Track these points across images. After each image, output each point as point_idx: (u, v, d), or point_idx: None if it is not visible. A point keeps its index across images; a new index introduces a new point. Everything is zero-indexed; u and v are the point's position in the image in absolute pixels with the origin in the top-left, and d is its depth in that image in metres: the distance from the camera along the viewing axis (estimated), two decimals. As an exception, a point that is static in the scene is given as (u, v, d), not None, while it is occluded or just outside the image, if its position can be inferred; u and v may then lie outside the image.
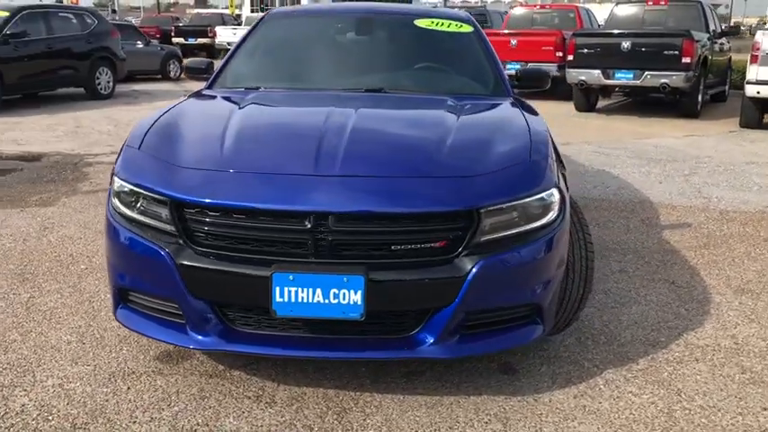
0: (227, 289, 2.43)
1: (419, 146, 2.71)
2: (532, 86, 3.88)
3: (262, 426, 2.44)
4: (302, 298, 2.34)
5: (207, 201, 2.41)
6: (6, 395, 2.60)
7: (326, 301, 2.34)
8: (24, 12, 11.79)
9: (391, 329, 2.49)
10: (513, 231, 2.49)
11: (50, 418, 2.46)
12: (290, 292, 2.34)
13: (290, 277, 2.33)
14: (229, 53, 4.03)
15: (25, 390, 2.64)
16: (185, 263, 2.43)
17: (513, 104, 3.48)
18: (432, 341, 2.45)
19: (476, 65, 3.94)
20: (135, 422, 2.44)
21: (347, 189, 2.40)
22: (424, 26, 4.02)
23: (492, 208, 2.44)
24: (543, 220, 2.56)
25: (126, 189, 2.61)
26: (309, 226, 2.34)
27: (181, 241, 2.46)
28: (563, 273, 2.73)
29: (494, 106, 3.42)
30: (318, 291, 2.33)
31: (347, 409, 2.54)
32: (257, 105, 3.32)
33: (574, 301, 2.90)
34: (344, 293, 2.33)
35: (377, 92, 3.56)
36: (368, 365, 2.79)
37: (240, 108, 3.14)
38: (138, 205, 2.56)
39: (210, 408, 2.54)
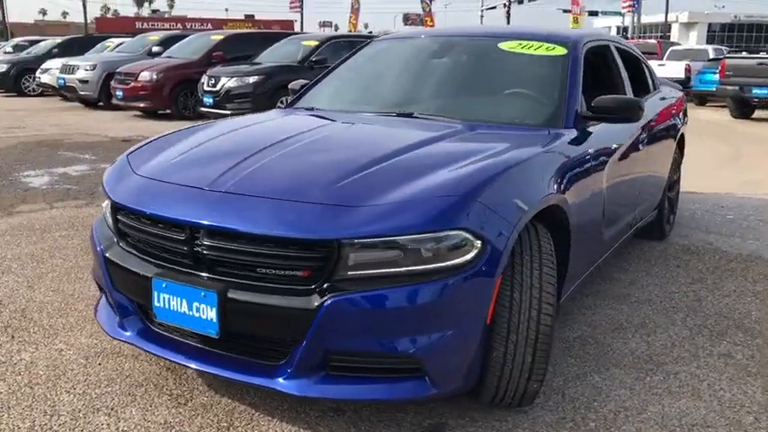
0: (130, 286, 2.60)
1: (338, 170, 2.55)
2: (615, 119, 3.30)
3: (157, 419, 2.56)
4: (173, 306, 2.41)
5: (119, 202, 2.64)
6: None
7: (191, 313, 2.37)
8: (331, 41, 13.34)
9: (263, 354, 2.40)
10: (393, 270, 2.22)
11: None
12: (164, 298, 2.43)
13: (164, 284, 2.42)
14: (322, 74, 4.20)
15: None
16: (108, 256, 2.67)
17: (554, 137, 3.05)
18: (288, 374, 2.31)
19: (541, 92, 3.50)
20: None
21: (223, 205, 2.40)
22: (507, 49, 3.70)
23: (358, 241, 2.21)
24: (439, 264, 2.24)
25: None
26: (184, 237, 2.39)
27: (115, 238, 2.71)
28: (481, 331, 2.34)
29: (512, 139, 3.03)
30: (184, 302, 2.38)
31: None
32: (252, 124, 3.44)
33: (519, 370, 2.45)
34: (203, 308, 2.34)
35: (406, 116, 3.41)
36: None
37: (242, 126, 3.31)
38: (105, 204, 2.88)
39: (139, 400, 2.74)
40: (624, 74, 4.22)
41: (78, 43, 20.36)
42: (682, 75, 18.82)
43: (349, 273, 2.23)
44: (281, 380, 2.32)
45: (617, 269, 4.46)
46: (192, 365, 2.47)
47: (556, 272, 2.57)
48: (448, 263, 2.25)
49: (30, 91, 19.38)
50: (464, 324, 2.30)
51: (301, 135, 3.02)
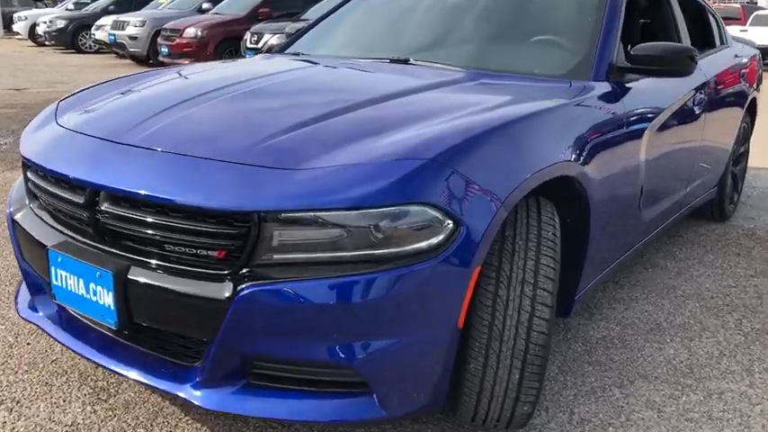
0: (34, 257, 2.14)
1: (279, 122, 2.00)
2: (659, 71, 2.64)
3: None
4: (71, 286, 1.94)
5: (25, 156, 2.17)
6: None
7: (88, 296, 1.90)
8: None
9: (176, 352, 1.91)
10: (331, 255, 1.69)
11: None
12: (61, 275, 1.96)
13: (59, 258, 1.94)
14: (317, 18, 3.63)
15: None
16: (16, 219, 2.22)
17: (577, 91, 2.43)
18: (197, 381, 1.81)
19: (566, 35, 2.85)
20: (-30, 379, 2.34)
21: (125, 162, 1.89)
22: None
23: (286, 215, 1.68)
24: (394, 249, 1.69)
25: None
26: (83, 201, 1.90)
27: (27, 200, 2.25)
28: (449, 336, 1.78)
29: (519, 90, 2.43)
30: (81, 281, 1.90)
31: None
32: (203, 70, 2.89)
33: (505, 387, 1.89)
34: (100, 291, 1.86)
35: (401, 63, 2.82)
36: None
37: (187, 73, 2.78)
38: None
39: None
40: (682, 23, 3.51)
41: (135, 0, 20.26)
42: (766, 42, 17.35)
43: (274, 256, 1.70)
44: (189, 387, 1.82)
45: (663, 255, 3.79)
46: (96, 360, 2.00)
47: (559, 263, 1.98)
48: (406, 248, 1.69)
49: (87, 48, 19.38)
50: (426, 328, 1.75)
51: (257, 80, 2.49)
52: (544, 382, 2.35)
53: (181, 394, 1.82)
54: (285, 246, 1.69)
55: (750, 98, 4.39)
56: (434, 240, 1.71)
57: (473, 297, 1.82)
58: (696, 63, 2.70)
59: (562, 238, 2.11)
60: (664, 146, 2.95)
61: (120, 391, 2.31)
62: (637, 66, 2.65)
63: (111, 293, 1.82)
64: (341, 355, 1.71)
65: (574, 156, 2.14)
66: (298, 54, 3.25)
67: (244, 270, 1.71)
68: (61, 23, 19.48)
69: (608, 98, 2.50)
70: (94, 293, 1.87)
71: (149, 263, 1.81)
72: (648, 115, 2.76)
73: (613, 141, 2.43)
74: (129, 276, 1.81)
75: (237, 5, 14.03)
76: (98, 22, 17.93)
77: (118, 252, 1.87)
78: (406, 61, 2.83)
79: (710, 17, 4.12)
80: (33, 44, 20.60)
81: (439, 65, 2.78)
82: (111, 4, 19.89)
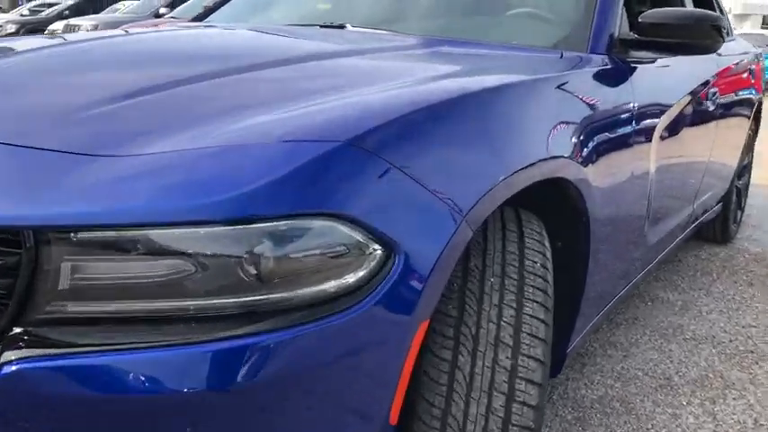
0: None
1: (109, 91, 1.28)
2: (677, 46, 1.98)
3: None
4: None
5: None
6: None
7: None
8: None
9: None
10: (170, 305, 0.97)
11: None
12: None
13: None
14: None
15: None
16: None
17: (570, 63, 1.76)
18: None
19: (557, 4, 2.19)
20: None
21: None
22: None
23: (83, 235, 0.96)
24: (274, 295, 0.98)
25: None
26: None
27: None
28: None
29: (491, 60, 1.76)
30: None
31: None
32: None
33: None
34: None
35: (336, 28, 2.12)
36: None
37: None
38: None
39: None
40: (689, 3, 2.89)
41: (92, 5, 19.54)
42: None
43: (66, 305, 0.98)
44: None
45: (663, 284, 3.14)
46: None
47: (551, 311, 1.29)
48: (302, 291, 0.99)
49: (39, 53, 18.52)
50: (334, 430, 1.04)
51: (100, 41, 1.78)
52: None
53: None
54: (83, 287, 0.97)
55: (757, 102, 3.78)
56: (350, 278, 1.01)
57: (417, 371, 1.12)
58: (723, 38, 2.06)
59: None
60: (675, 149, 2.30)
61: None
62: (646, 38, 1.98)
63: None
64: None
65: (570, 151, 1.46)
66: (210, 24, 2.54)
67: (15, 330, 0.98)
68: (12, 28, 18.71)
69: (612, 77, 1.84)
70: None
71: None
72: (660, 108, 2.10)
73: (621, 136, 1.77)
74: None
75: (194, 10, 13.34)
76: (50, 27, 17.16)
77: None
78: (341, 27, 2.13)
79: (715, 3, 3.51)
80: (-17, 49, 19.65)
81: (385, 32, 2.08)
82: (66, 9, 19.17)
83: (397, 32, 2.05)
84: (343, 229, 0.99)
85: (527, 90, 1.45)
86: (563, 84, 1.60)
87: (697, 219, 3.06)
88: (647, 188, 2.03)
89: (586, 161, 1.51)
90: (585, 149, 1.52)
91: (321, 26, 2.15)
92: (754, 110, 3.73)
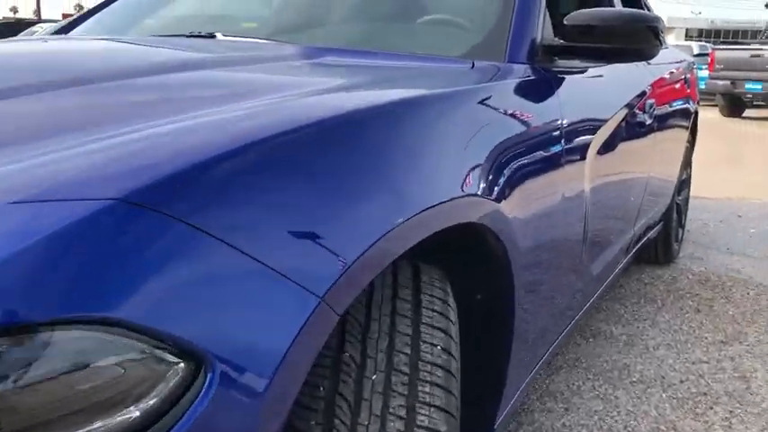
0: None
1: None
2: (608, 51, 1.68)
3: None
4: None
5: None
6: None
7: None
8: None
9: None
10: None
11: None
12: None
13: None
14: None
15: None
16: None
17: (483, 75, 1.44)
18: None
19: (469, 10, 1.88)
20: None
21: None
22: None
23: None
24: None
25: None
26: None
27: None
28: None
29: (376, 72, 1.43)
30: None
31: None
32: None
33: None
34: None
35: (206, 38, 1.75)
36: None
37: None
38: None
39: None
40: (619, 4, 2.64)
41: (11, 29, 18.66)
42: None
43: None
44: None
45: (605, 315, 2.86)
46: None
47: (457, 405, 0.95)
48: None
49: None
50: None
51: None
52: None
53: None
54: None
55: (694, 113, 3.58)
56: (134, 411, 0.65)
57: None
58: (662, 42, 1.78)
59: (467, 329, 1.10)
60: (612, 168, 2.02)
61: None
62: (573, 43, 1.68)
63: None
64: None
65: (478, 186, 1.13)
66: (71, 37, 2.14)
67: None
68: None
69: (535, 89, 1.53)
70: None
71: None
72: (593, 124, 1.81)
73: (547, 160, 1.46)
74: None
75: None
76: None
77: None
78: (211, 36, 1.75)
79: (644, 6, 3.28)
80: None
81: (265, 41, 1.72)
82: (-20, 32, 18.26)
83: (280, 42, 1.70)
84: (107, 338, 0.63)
85: (418, 110, 1.11)
86: (470, 100, 1.27)
87: (640, 240, 2.80)
88: (582, 214, 1.73)
89: (501, 195, 1.19)
90: (500, 181, 1.20)
91: (188, 36, 1.78)
92: (691, 121, 3.53)
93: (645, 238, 2.91)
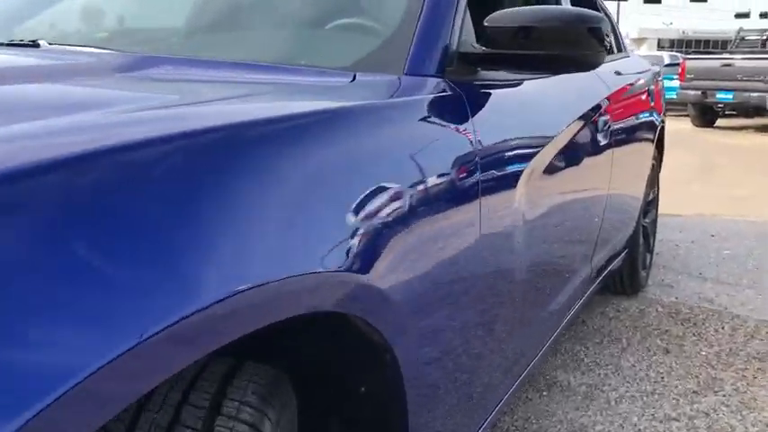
0: None
1: None
2: (539, 59, 1.34)
3: None
4: None
5: None
6: None
7: None
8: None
9: None
10: None
11: None
12: None
13: None
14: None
15: None
16: None
17: (370, 92, 1.09)
18: None
19: (365, 11, 1.54)
20: None
21: None
22: None
23: None
24: None
25: None
26: None
27: None
28: None
29: (227, 90, 1.08)
30: None
31: None
32: None
33: None
34: None
35: (31, 47, 1.39)
36: None
37: None
38: None
39: None
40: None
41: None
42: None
43: None
44: None
45: (564, 360, 2.51)
46: None
47: None
48: None
49: None
50: None
51: None
52: None
53: None
54: None
55: (659, 127, 3.27)
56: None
57: None
58: (606, 48, 1.44)
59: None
60: (555, 199, 1.68)
61: None
62: (497, 51, 1.34)
63: None
64: None
65: (343, 257, 0.78)
66: None
67: None
68: None
69: (438, 110, 1.17)
70: None
71: None
72: (527, 148, 1.47)
73: (451, 200, 1.10)
74: None
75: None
76: None
77: None
78: (35, 44, 1.38)
79: (599, 7, 2.97)
80: None
81: (97, 50, 1.36)
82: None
83: (118, 51, 1.34)
84: None
85: (250, 143, 0.76)
86: (339, 127, 0.92)
87: (600, 273, 2.47)
88: (510, 266, 1.38)
89: (369, 265, 0.84)
90: (368, 245, 0.84)
91: (8, 44, 1.41)
92: (656, 136, 3.22)
93: (607, 270, 2.58)
